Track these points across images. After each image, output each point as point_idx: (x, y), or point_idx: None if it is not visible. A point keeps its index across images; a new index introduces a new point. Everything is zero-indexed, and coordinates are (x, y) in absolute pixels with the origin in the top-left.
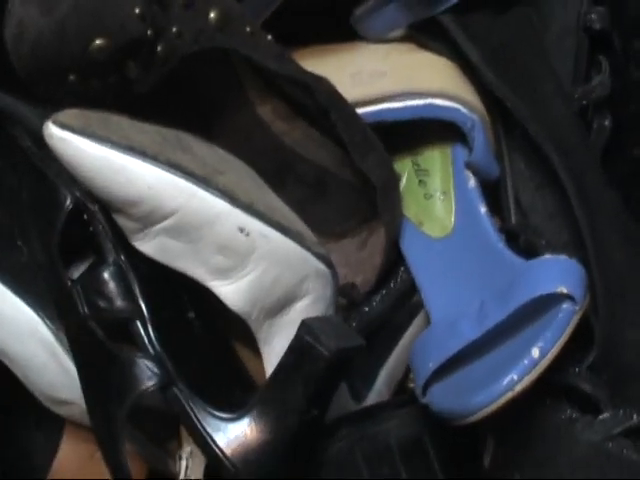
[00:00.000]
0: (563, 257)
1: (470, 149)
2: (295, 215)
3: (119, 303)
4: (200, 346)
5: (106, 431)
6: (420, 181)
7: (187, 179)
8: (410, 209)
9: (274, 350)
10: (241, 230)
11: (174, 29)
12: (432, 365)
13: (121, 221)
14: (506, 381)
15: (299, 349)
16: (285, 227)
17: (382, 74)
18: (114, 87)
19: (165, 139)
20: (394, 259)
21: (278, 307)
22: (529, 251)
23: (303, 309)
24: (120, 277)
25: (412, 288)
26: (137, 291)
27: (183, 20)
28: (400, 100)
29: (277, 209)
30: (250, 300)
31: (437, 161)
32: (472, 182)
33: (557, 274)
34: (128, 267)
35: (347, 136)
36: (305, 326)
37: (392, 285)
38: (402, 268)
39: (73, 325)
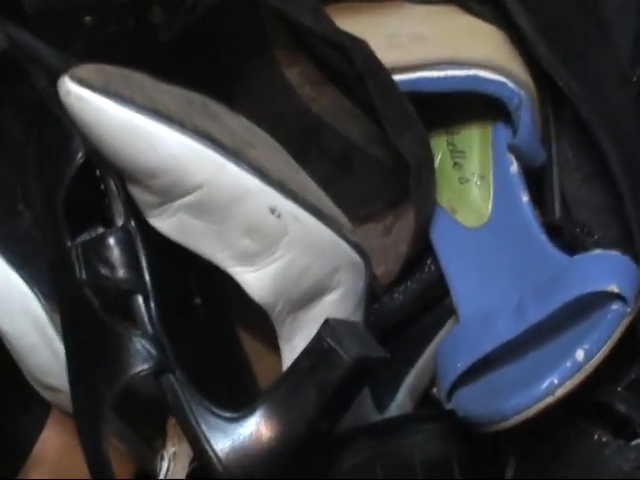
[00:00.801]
0: (615, 253)
1: (514, 130)
2: (329, 199)
3: (122, 273)
4: (204, 335)
5: (88, 415)
6: (455, 163)
7: (216, 150)
8: (443, 194)
9: (295, 349)
10: (272, 211)
11: None
12: (461, 365)
13: (137, 193)
14: (546, 384)
15: (318, 351)
16: (320, 210)
17: (422, 38)
18: (134, 34)
19: (191, 104)
20: (421, 249)
21: (305, 300)
22: (575, 248)
23: (332, 303)
24: (127, 245)
25: (439, 281)
26: (144, 263)
27: None
28: (440, 69)
29: (311, 190)
30: (275, 290)
31: (475, 142)
32: (514, 167)
33: (608, 271)
34: (137, 235)
35: (383, 108)
36: (327, 327)
37: (417, 276)
38: (430, 259)
39: (67, 290)
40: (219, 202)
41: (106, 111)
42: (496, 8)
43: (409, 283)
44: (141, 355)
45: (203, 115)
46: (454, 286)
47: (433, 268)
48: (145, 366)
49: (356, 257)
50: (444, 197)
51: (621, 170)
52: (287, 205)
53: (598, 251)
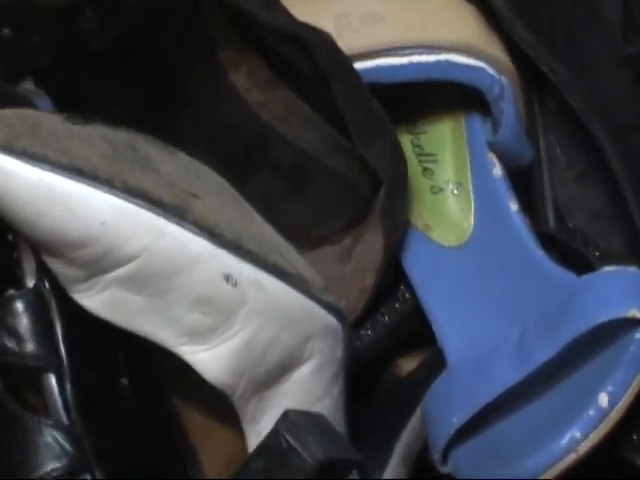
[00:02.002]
0: (632, 270)
1: (495, 125)
2: (291, 247)
3: (31, 346)
4: (132, 424)
5: None
6: (425, 169)
7: (153, 210)
8: (412, 209)
9: (262, 432)
10: (227, 278)
11: None
12: (457, 420)
13: (57, 267)
14: (566, 439)
15: (275, 450)
16: (283, 271)
17: (378, 18)
18: (59, 44)
19: (117, 150)
20: (392, 278)
21: (273, 376)
22: (575, 263)
23: (305, 377)
24: (39, 311)
25: (417, 311)
26: (59, 334)
27: None
28: (403, 54)
29: (271, 244)
30: (235, 370)
31: (447, 141)
32: (497, 170)
33: (626, 292)
34: (52, 299)
35: (350, 113)
36: (287, 420)
37: (389, 307)
38: (403, 285)
39: None
40: (161, 272)
41: (13, 173)
42: None
43: (379, 316)
44: (52, 451)
45: (133, 164)
46: (436, 321)
47: (407, 296)
48: (57, 464)
49: (331, 320)
50: (414, 212)
51: (621, 167)
52: (245, 270)
53: (610, 268)
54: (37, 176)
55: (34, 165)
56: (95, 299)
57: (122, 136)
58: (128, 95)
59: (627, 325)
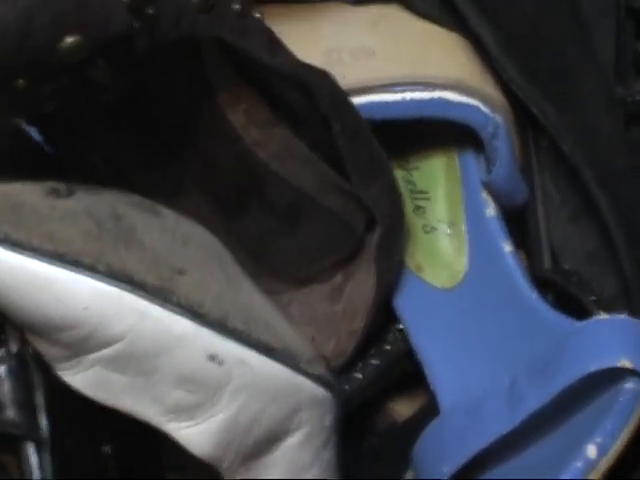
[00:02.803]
0: (624, 317)
1: (489, 163)
2: (279, 314)
3: (12, 413)
4: None
5: None
6: (417, 207)
7: (137, 293)
8: (404, 248)
9: None
10: (212, 358)
11: (150, 10)
12: (448, 469)
13: (41, 347)
14: None
15: None
16: (270, 346)
17: (370, 53)
18: (69, 92)
19: (100, 225)
20: (383, 319)
21: (260, 448)
22: (570, 307)
23: (294, 446)
24: (21, 378)
25: (409, 354)
26: (41, 402)
27: None
28: (396, 91)
29: (258, 316)
30: (222, 444)
31: (440, 179)
32: (491, 210)
33: (617, 341)
34: (35, 366)
35: (351, 154)
36: None
37: (380, 349)
38: (394, 327)
39: None
40: (145, 353)
41: None
42: (454, 13)
43: (369, 358)
44: None
45: (117, 240)
46: (428, 364)
47: (399, 338)
48: None
49: (320, 391)
50: (406, 251)
51: (611, 215)
52: (230, 348)
53: (603, 316)
54: (20, 262)
55: (17, 252)
56: (79, 377)
57: (106, 205)
58: (129, 141)
59: (618, 374)
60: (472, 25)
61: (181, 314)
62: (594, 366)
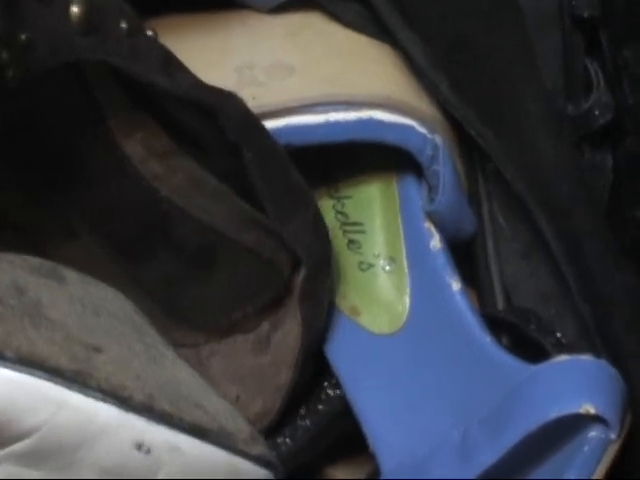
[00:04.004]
0: (586, 358)
1: (431, 190)
2: (210, 389)
3: None
4: None
5: None
6: (350, 241)
7: (52, 380)
8: (337, 289)
9: None
10: (138, 447)
11: (23, 36)
12: None
13: None
14: None
15: None
16: (203, 428)
17: (288, 69)
18: None
19: (2, 302)
20: (313, 373)
21: None
22: (529, 352)
23: None
24: None
25: (347, 411)
26: None
27: (35, 20)
28: (318, 112)
29: (186, 394)
30: None
31: (377, 208)
32: (436, 242)
33: (578, 385)
34: None
35: (265, 185)
36: None
37: (311, 408)
38: (328, 381)
39: None
40: (63, 446)
41: None
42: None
43: (299, 420)
44: None
45: (23, 317)
46: (368, 421)
47: (332, 394)
48: None
49: (260, 472)
50: (339, 292)
51: (561, 250)
52: (158, 434)
53: (562, 357)
54: None
55: None
56: None
57: (5, 275)
58: (8, 177)
59: (580, 421)
60: (398, 36)
61: (103, 400)
62: (553, 413)
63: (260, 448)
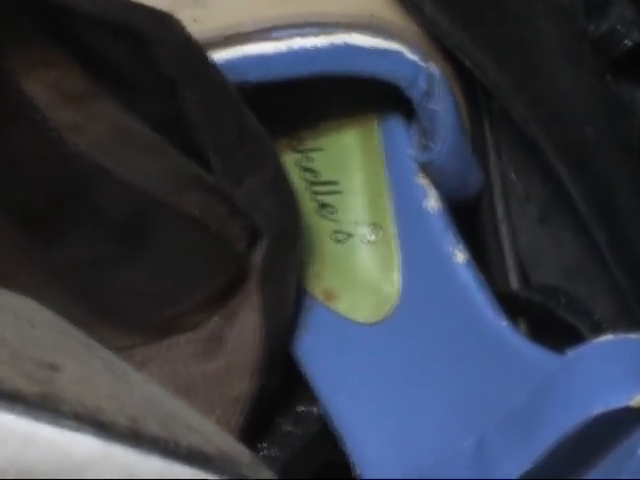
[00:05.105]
0: (634, 337)
1: (426, 136)
2: (185, 404)
3: None
4: None
5: None
6: (322, 206)
7: (13, 408)
8: (306, 267)
9: None
10: None
11: None
12: None
13: None
14: None
15: None
16: (204, 453)
17: None
18: None
19: None
20: (278, 378)
21: None
22: (557, 339)
23: None
24: None
25: (327, 429)
26: None
27: None
28: (279, 37)
29: (174, 414)
30: None
31: (355, 163)
32: (432, 201)
33: (629, 370)
34: None
35: (212, 134)
36: None
37: (282, 429)
38: (298, 397)
39: None
40: None
41: None
42: None
43: (266, 446)
44: None
45: None
46: (349, 433)
47: (308, 409)
48: None
49: None
50: (309, 272)
51: (588, 208)
52: (151, 466)
53: (605, 338)
54: None
55: None
56: None
57: None
58: None
59: (631, 417)
60: None
61: (79, 429)
62: (596, 408)
63: (266, 473)
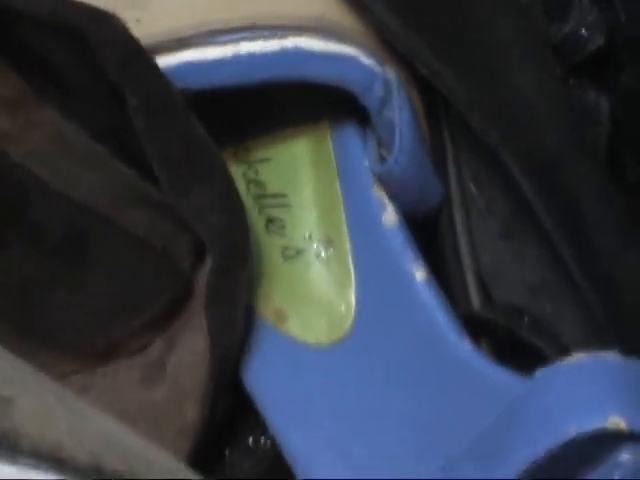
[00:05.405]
0: (610, 355)
1: (382, 146)
2: (137, 435)
3: None
4: None
5: None
6: (270, 221)
7: None
8: (254, 287)
9: None
10: None
11: None
12: None
13: None
14: None
15: None
16: None
17: None
18: None
19: None
20: (226, 407)
21: None
22: (520, 360)
23: None
24: None
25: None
26: None
27: None
28: (224, 42)
29: (133, 447)
30: None
31: (305, 174)
32: (390, 216)
33: (603, 390)
34: None
35: (157, 142)
36: None
37: (236, 458)
38: (250, 428)
39: None
40: None
41: None
42: None
43: (217, 474)
44: None
45: None
46: (304, 464)
47: (262, 442)
48: None
49: None
50: (258, 293)
51: (553, 221)
52: None
53: (577, 356)
54: None
55: None
56: None
57: None
58: None
59: (607, 439)
60: None
61: (39, 468)
62: (570, 430)
63: None
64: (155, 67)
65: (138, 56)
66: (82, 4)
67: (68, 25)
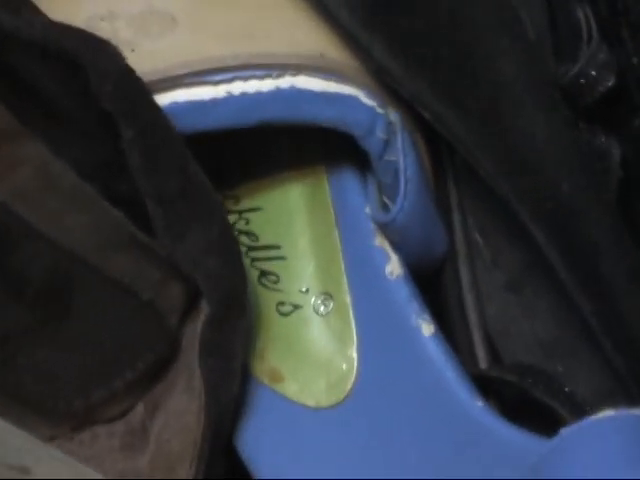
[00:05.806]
0: (626, 413)
1: (385, 193)
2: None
3: None
4: None
5: None
6: (263, 274)
7: None
8: (249, 346)
9: None
10: None
11: None
12: None
13: None
14: None
15: None
16: None
17: (166, 21)
18: None
19: None
20: (222, 468)
21: None
22: (533, 421)
23: None
24: None
25: None
26: None
27: None
28: (217, 81)
29: None
30: None
31: (300, 224)
32: (394, 267)
33: (629, 450)
34: None
35: (152, 180)
36: None
37: None
38: None
39: None
40: None
41: None
42: None
43: None
44: None
45: None
46: None
47: None
48: None
49: None
50: (252, 351)
51: (572, 276)
52: None
53: (603, 414)
54: None
55: None
56: None
57: None
58: None
59: None
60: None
61: None
62: None
63: None
64: (150, 98)
65: (133, 84)
66: (77, 29)
67: (62, 50)
